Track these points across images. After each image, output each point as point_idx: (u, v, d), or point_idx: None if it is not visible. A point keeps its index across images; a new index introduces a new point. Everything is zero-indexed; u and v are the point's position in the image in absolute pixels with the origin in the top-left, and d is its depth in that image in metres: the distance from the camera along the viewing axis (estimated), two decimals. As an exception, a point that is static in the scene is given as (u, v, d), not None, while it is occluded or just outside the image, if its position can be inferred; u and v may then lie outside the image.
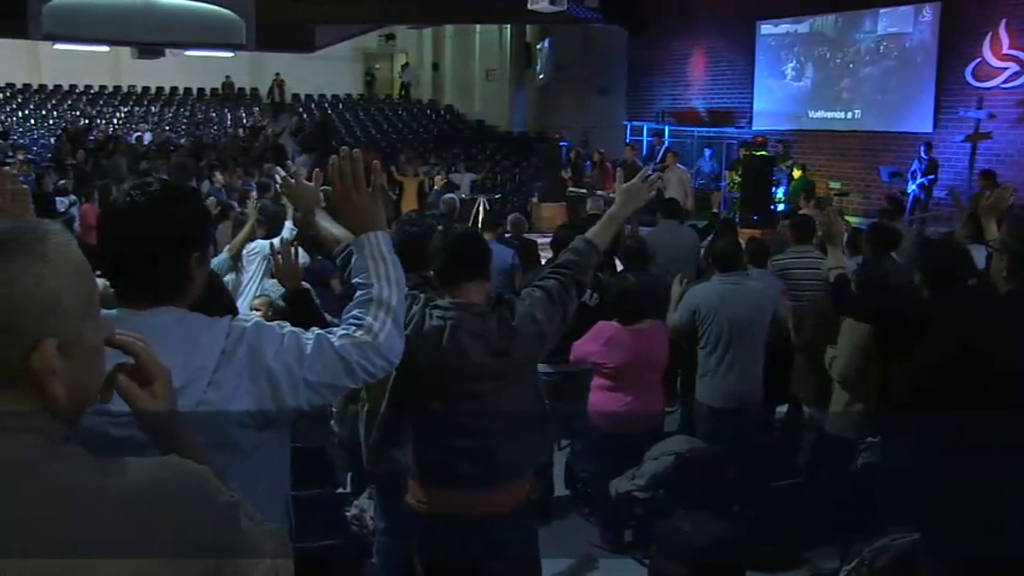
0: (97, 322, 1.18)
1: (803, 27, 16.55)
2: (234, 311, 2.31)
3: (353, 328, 1.86)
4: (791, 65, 16.78)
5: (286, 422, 1.90)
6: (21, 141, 19.58)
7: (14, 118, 22.25)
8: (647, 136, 18.86)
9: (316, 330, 1.87)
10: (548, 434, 3.42)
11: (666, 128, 18.39)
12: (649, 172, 3.20)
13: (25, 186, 2.34)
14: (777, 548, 4.36)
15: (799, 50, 16.66)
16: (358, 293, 1.94)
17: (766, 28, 17.24)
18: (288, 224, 6.92)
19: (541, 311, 2.83)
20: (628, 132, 19.38)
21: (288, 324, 1.88)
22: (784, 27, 16.85)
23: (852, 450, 4.46)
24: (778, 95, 17.10)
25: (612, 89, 21.22)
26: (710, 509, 4.39)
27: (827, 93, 16.24)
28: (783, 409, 5.75)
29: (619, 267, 6.90)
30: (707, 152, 17.31)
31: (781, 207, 13.90)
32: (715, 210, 15.25)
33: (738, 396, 4.95)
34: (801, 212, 9.10)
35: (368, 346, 1.84)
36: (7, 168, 3.62)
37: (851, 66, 15.77)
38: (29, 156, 17.40)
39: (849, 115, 15.89)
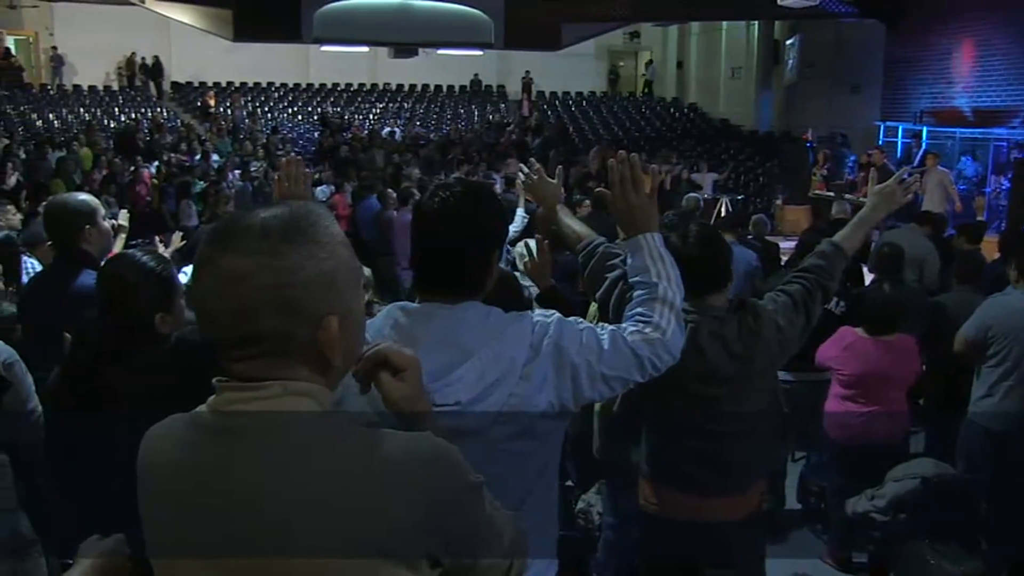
0: (360, 291, 1.29)
1: None
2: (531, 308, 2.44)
3: (642, 325, 1.92)
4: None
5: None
6: (290, 135, 21.33)
7: (285, 114, 24.28)
8: (902, 137, 17.68)
9: (608, 326, 1.94)
10: (784, 443, 3.31)
11: (924, 129, 17.17)
12: (906, 175, 3.03)
13: (308, 171, 2.58)
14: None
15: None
16: (638, 292, 1.99)
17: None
18: (520, 212, 7.11)
19: (784, 317, 2.75)
20: (882, 133, 18.27)
21: (583, 320, 1.95)
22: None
23: None
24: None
25: (865, 87, 20.11)
26: (957, 542, 4.08)
27: None
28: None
29: (866, 274, 6.57)
30: (968, 155, 16.01)
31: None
32: (980, 217, 14.10)
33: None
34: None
35: (658, 342, 1.91)
36: (293, 155, 3.99)
37: None
38: (295, 149, 18.96)
39: None
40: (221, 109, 22.61)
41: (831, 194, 14.30)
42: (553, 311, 1.95)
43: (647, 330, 1.91)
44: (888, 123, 18.38)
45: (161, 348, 2.40)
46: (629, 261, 2.05)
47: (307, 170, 2.56)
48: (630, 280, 2.03)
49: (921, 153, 16.00)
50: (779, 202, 16.62)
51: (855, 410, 4.58)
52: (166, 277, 2.50)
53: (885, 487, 4.41)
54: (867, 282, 6.26)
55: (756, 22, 22.84)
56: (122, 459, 2.01)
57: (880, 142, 17.52)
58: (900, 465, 4.47)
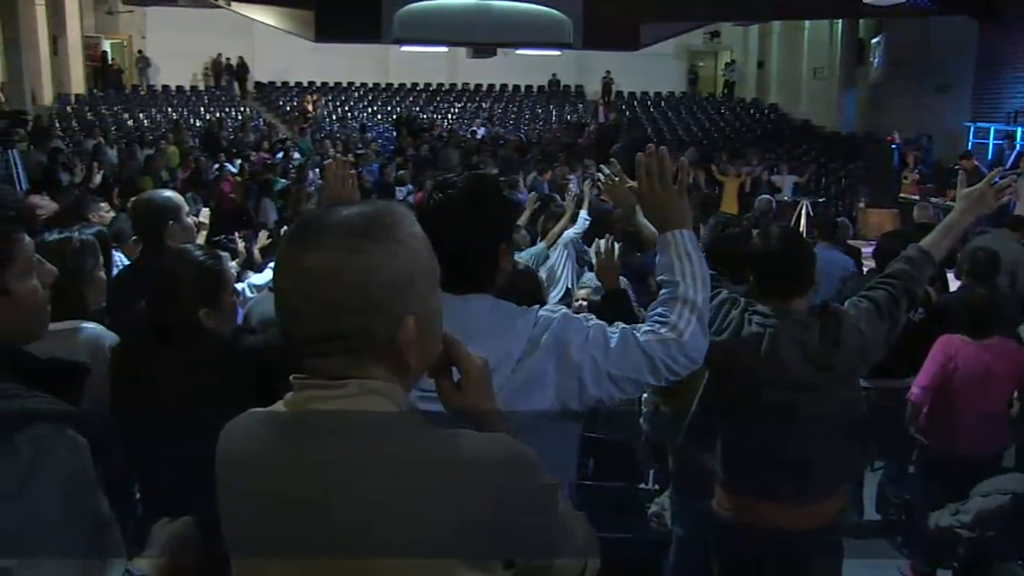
0: (439, 292, 1.29)
1: None
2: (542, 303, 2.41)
3: (658, 325, 1.86)
4: None
5: (580, 411, 1.93)
6: (370, 135, 21.66)
7: (365, 113, 24.70)
8: (993, 139, 17.04)
9: (621, 324, 1.88)
10: (863, 453, 3.23)
11: (1018, 130, 16.52)
12: (997, 177, 2.91)
13: (353, 172, 2.59)
14: None
15: None
16: (662, 291, 1.94)
17: None
18: (582, 213, 7.07)
19: (867, 324, 2.67)
20: (971, 135, 17.63)
21: (594, 317, 1.90)
22: None
23: None
24: None
25: (953, 87, 19.46)
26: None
27: None
28: None
29: (951, 281, 6.37)
30: (1067, 158, 15.34)
31: None
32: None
33: None
34: None
35: (673, 343, 1.83)
36: (340, 157, 4.05)
37: None
38: (377, 148, 19.24)
39: None
40: (317, 110, 23.07)
41: (916, 197, 13.87)
42: (560, 306, 1.91)
43: (662, 330, 1.84)
44: (978, 124, 17.74)
45: (204, 344, 2.38)
46: (658, 258, 1.98)
47: (352, 172, 2.56)
48: (657, 278, 1.97)
49: (1014, 155, 15.42)
50: (861, 205, 16.18)
51: (955, 417, 4.44)
52: (216, 272, 2.48)
53: (970, 502, 4.26)
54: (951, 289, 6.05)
55: (839, 20, 22.35)
56: (170, 453, 2.06)
57: (969, 144, 16.92)
58: (987, 480, 4.32)
